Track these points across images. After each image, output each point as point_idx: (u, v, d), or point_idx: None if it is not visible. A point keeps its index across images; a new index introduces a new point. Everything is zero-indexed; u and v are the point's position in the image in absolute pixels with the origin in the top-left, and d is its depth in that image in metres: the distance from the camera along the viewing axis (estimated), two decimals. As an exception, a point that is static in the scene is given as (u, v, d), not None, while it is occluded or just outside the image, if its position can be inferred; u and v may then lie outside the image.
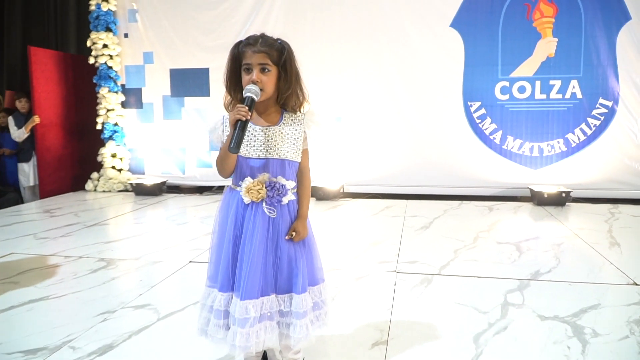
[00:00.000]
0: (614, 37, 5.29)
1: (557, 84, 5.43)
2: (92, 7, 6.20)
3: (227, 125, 1.77)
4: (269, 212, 1.73)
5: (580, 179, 5.41)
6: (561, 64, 5.40)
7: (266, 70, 1.71)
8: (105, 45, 6.19)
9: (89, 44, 6.24)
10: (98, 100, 6.34)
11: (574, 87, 5.41)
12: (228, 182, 1.82)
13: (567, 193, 5.15)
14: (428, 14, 5.54)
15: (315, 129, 1.83)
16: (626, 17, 5.25)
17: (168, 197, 5.95)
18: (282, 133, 1.77)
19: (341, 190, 5.73)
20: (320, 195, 5.62)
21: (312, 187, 5.63)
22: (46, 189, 6.05)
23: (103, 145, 6.41)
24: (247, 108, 1.63)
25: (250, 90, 1.67)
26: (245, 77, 1.72)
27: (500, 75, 5.53)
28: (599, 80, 5.36)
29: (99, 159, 6.41)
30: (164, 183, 6.19)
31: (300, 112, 1.84)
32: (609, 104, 5.35)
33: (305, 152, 1.81)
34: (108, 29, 6.20)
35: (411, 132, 5.72)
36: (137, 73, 6.35)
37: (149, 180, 6.22)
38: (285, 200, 1.75)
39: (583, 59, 5.37)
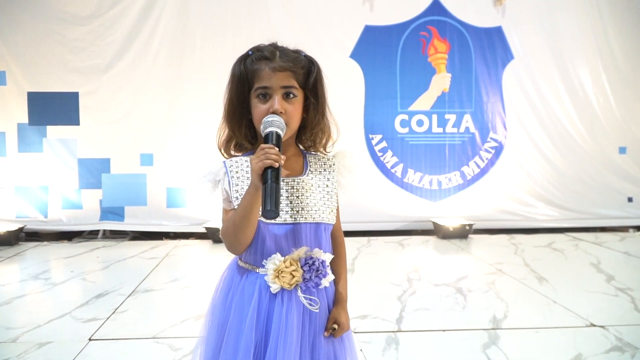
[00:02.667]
0: (500, 75, 5.59)
1: (452, 118, 5.56)
2: None
3: (234, 174, 1.26)
4: (310, 305, 1.24)
5: (476, 211, 5.55)
6: (455, 99, 5.55)
7: (291, 96, 1.24)
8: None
9: None
10: None
11: (467, 122, 5.59)
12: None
13: (470, 226, 5.23)
14: (328, 44, 5.33)
15: (349, 177, 1.38)
16: (509, 56, 5.58)
17: (27, 247, 4.85)
18: (312, 186, 1.29)
19: (241, 231, 5.18)
20: (218, 237, 5.01)
21: (208, 228, 5.04)
22: None
23: None
24: (277, 149, 1.14)
25: (274, 124, 1.19)
26: (259, 106, 1.24)
27: (399, 108, 5.51)
28: (489, 115, 5.60)
29: None
30: (21, 229, 5.05)
31: (326, 153, 1.38)
32: (498, 138, 5.61)
33: (337, 210, 1.35)
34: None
35: (313, 165, 5.41)
36: (-18, 96, 5.18)
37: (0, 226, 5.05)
38: (325, 282, 1.27)
39: (474, 95, 5.58)
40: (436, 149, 5.57)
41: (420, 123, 5.54)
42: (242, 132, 1.30)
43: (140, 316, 2.97)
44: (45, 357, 2.44)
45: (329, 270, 1.28)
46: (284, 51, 1.27)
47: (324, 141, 1.36)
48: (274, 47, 1.28)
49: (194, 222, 5.22)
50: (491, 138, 5.61)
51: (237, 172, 1.27)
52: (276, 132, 1.18)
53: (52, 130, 5.19)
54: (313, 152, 1.38)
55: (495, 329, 2.78)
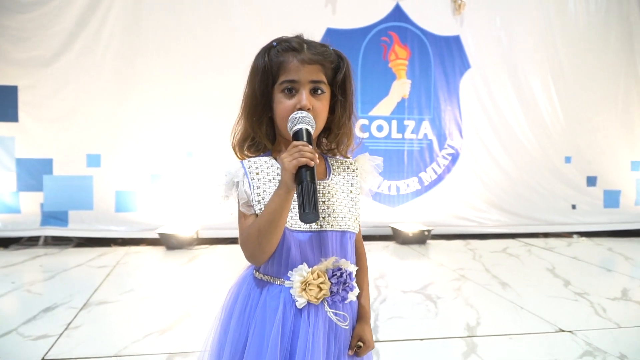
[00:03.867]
0: (457, 83, 5.67)
1: (411, 124, 5.59)
2: None
3: (254, 176, 1.13)
4: (340, 321, 1.13)
5: (433, 216, 5.59)
6: (414, 105, 5.58)
7: (319, 92, 1.14)
8: None
9: None
10: None
11: (425, 128, 5.63)
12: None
13: (429, 231, 5.26)
14: (288, 45, 5.20)
15: (371, 182, 1.29)
16: (466, 65, 5.67)
17: (-43, 255, 4.43)
18: (337, 191, 1.19)
19: (195, 237, 4.96)
20: (171, 244, 4.77)
21: (161, 234, 4.79)
22: None
23: None
24: (310, 146, 1.04)
25: (304, 120, 1.08)
26: (284, 102, 1.12)
27: (360, 113, 5.47)
28: (446, 123, 5.67)
29: None
30: (-51, 236, 4.61)
31: (347, 157, 1.28)
32: (455, 145, 5.69)
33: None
34: None
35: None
36: None
37: None
38: (352, 296, 1.17)
39: (433, 102, 5.63)
40: (395, 155, 5.57)
41: (380, 128, 5.53)
42: (262, 130, 1.18)
43: (98, 332, 2.73)
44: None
45: (355, 284, 1.18)
46: (311, 43, 1.16)
47: (346, 145, 1.25)
48: (300, 38, 1.16)
49: (145, 228, 4.94)
50: (448, 145, 5.68)
51: (257, 173, 1.15)
52: (306, 129, 1.08)
53: (-14, 127, 4.77)
54: (331, 156, 1.27)
55: (472, 337, 2.75)
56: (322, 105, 1.14)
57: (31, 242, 4.86)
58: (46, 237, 4.86)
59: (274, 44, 1.16)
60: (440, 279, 3.94)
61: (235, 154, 1.23)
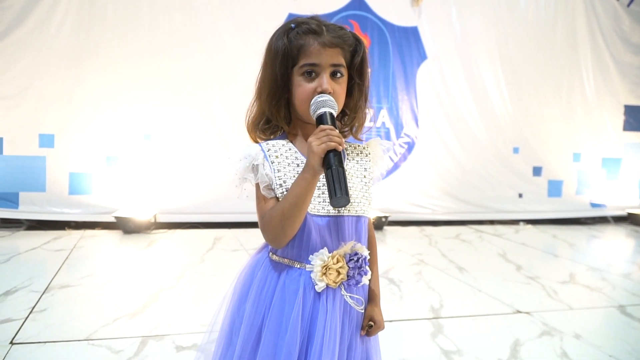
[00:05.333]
0: (414, 73, 5.81)
1: (370, 112, 5.66)
2: None
3: (273, 159, 1.15)
4: (355, 304, 1.18)
5: (389, 203, 5.72)
6: (373, 93, 5.67)
7: (338, 76, 1.15)
8: None
9: None
10: None
11: (383, 117, 5.75)
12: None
13: (386, 218, 5.40)
14: (249, 29, 5.15)
15: (382, 166, 1.32)
16: (423, 56, 5.82)
17: None
18: (352, 176, 1.22)
19: (153, 221, 4.87)
20: (129, 227, 4.66)
21: (118, 217, 4.68)
22: None
23: None
24: (337, 131, 1.06)
25: (327, 104, 1.10)
26: (304, 85, 1.13)
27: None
28: (403, 112, 5.80)
29: None
30: None
31: (361, 140, 1.31)
32: (411, 134, 5.84)
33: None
34: None
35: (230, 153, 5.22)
36: None
37: None
38: (365, 280, 1.21)
39: (390, 91, 5.74)
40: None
41: (339, 115, 5.58)
42: (281, 113, 1.18)
43: (65, 316, 2.66)
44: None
45: (368, 268, 1.22)
46: (330, 26, 1.16)
47: (360, 128, 1.28)
48: (318, 20, 1.17)
49: (101, 211, 4.80)
50: (405, 134, 5.83)
51: (276, 156, 1.16)
52: (330, 112, 1.10)
53: None
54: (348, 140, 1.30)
55: (437, 318, 2.88)
56: (342, 88, 1.16)
57: (5, 224, 4.60)
58: (-5, 220, 4.64)
59: (292, 25, 1.16)
60: (401, 264, 4.08)
61: (250, 135, 1.24)
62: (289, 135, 1.22)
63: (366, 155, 1.27)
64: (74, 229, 4.73)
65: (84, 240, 4.34)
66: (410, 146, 5.85)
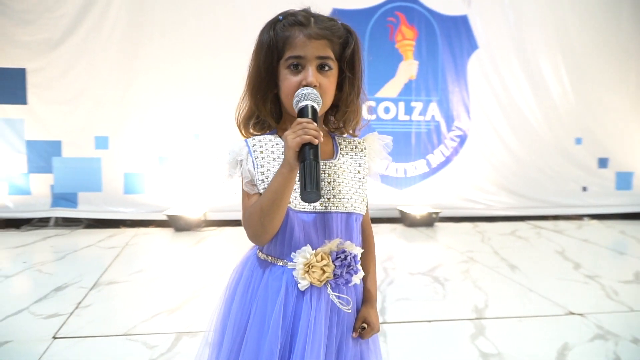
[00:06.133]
0: (465, 63, 5.60)
1: (419, 106, 5.54)
2: None
3: (258, 155, 1.11)
4: (342, 305, 1.12)
5: (440, 199, 5.56)
6: (422, 86, 5.52)
7: (326, 69, 1.10)
8: None
9: None
10: None
11: (433, 110, 5.58)
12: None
13: (437, 214, 5.24)
14: (296, 26, 5.14)
15: (380, 162, 1.26)
16: (474, 46, 5.59)
17: (-32, 237, 4.47)
18: (344, 171, 1.17)
19: (203, 219, 4.97)
20: (180, 225, 4.79)
21: (169, 215, 4.80)
22: None
23: None
24: (315, 124, 1.01)
25: (309, 97, 1.05)
26: (290, 78, 1.09)
27: (367, 94, 5.41)
28: (454, 104, 5.61)
29: None
30: (-39, 217, 4.65)
31: (356, 136, 1.25)
32: (463, 126, 5.64)
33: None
34: None
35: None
36: None
37: None
38: (356, 279, 1.15)
39: (440, 83, 5.57)
40: (402, 137, 5.53)
41: (387, 110, 5.49)
42: (267, 107, 1.15)
43: (107, 311, 2.76)
44: (5, 359, 2.20)
45: (360, 267, 1.16)
46: (319, 17, 1.12)
47: (354, 123, 1.22)
48: (307, 12, 1.12)
49: (154, 210, 4.96)
50: (456, 126, 5.63)
51: (261, 152, 1.12)
52: (312, 105, 1.05)
53: (-5, 109, 4.78)
54: (339, 135, 1.25)
55: (480, 319, 2.75)
56: (329, 82, 1.11)
57: (42, 223, 4.89)
58: (57, 218, 4.89)
59: (280, 17, 1.13)
60: (448, 262, 3.94)
61: (240, 132, 1.21)
62: (279, 131, 1.18)
63: (361, 150, 1.22)
64: (128, 227, 4.92)
65: (137, 238, 4.49)
66: (462, 139, 5.65)
